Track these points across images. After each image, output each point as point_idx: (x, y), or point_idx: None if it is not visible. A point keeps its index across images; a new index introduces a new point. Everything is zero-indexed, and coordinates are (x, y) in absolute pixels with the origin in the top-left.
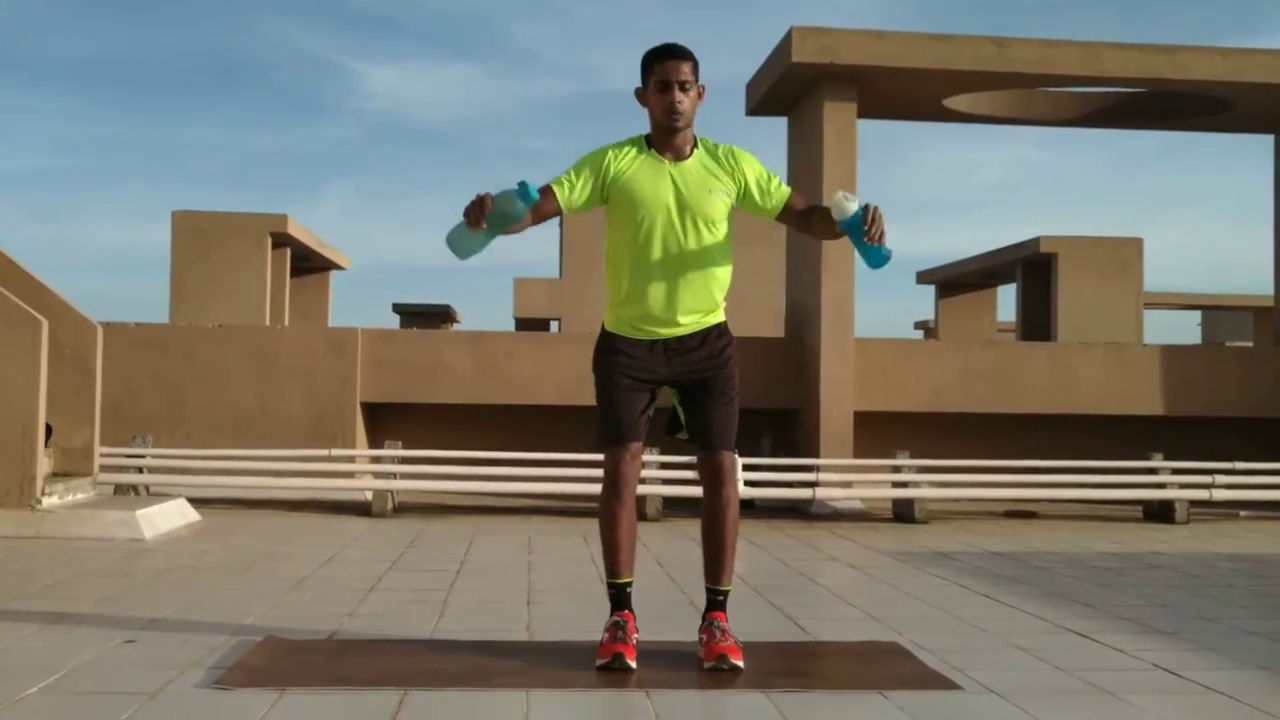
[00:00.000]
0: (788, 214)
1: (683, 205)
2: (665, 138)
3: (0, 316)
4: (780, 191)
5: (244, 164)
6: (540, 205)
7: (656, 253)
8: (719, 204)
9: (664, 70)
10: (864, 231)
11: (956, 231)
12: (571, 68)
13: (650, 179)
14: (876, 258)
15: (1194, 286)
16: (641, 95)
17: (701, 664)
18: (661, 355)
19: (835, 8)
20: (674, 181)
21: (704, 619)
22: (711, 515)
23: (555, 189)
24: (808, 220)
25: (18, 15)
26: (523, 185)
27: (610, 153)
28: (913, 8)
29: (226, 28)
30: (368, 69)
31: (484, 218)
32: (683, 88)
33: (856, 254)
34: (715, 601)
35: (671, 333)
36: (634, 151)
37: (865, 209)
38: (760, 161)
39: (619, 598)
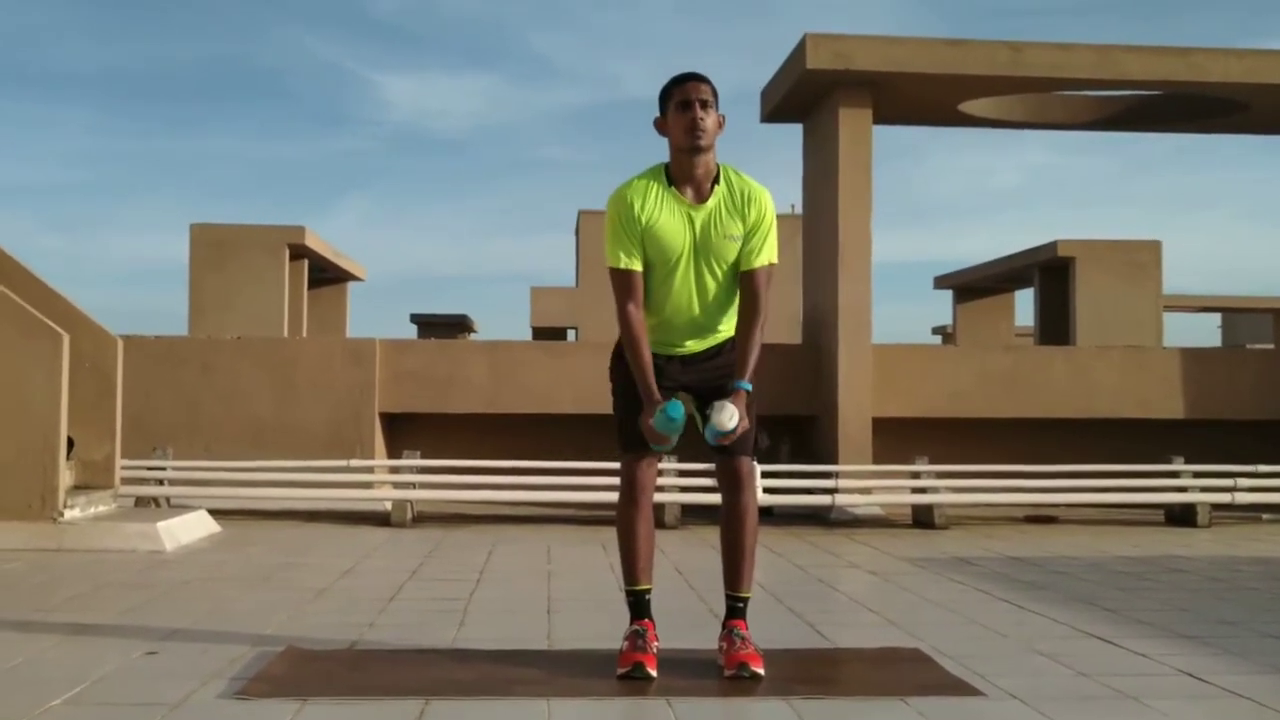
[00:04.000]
0: (743, 279)
1: (700, 250)
2: (686, 165)
3: (21, 329)
4: (760, 256)
5: (261, 175)
6: (633, 290)
7: (672, 293)
8: (733, 249)
9: (684, 90)
10: (715, 438)
11: (974, 236)
12: (589, 76)
13: (672, 227)
14: (711, 437)
15: (1213, 289)
16: (661, 125)
17: (722, 672)
18: (678, 365)
19: (850, 15)
20: (693, 227)
21: (724, 626)
22: (730, 522)
23: (631, 270)
24: (742, 309)
25: (34, 28)
26: (675, 409)
27: (633, 202)
28: (927, 14)
29: (244, 39)
30: (385, 79)
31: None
32: (703, 105)
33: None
34: (735, 609)
35: (687, 352)
36: (655, 190)
37: (730, 433)
38: (773, 213)
39: (638, 605)
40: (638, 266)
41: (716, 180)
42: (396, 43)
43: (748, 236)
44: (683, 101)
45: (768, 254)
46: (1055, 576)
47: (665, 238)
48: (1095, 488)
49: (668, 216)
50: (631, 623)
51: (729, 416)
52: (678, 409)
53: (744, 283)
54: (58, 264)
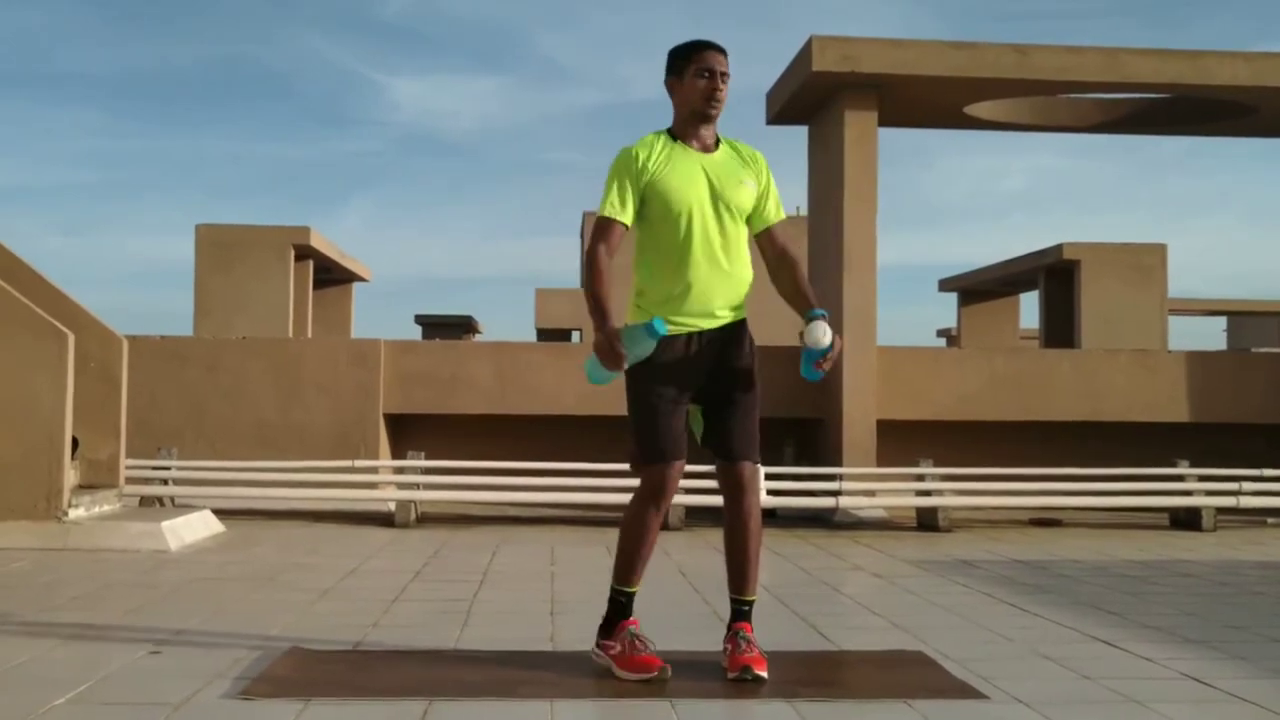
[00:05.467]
0: (765, 239)
1: (716, 195)
2: (695, 128)
3: (27, 329)
4: (777, 213)
5: (268, 176)
6: (611, 239)
7: (697, 244)
8: (748, 195)
9: (708, 59)
10: (817, 364)
11: (979, 239)
12: (596, 79)
13: (685, 171)
14: (812, 377)
15: (1219, 292)
16: (674, 86)
17: (725, 674)
18: (697, 350)
19: (856, 19)
20: (706, 172)
21: (729, 629)
22: (735, 527)
23: (618, 220)
24: (778, 263)
25: (42, 30)
26: (654, 323)
27: (639, 154)
28: (933, 18)
29: (251, 40)
30: (392, 81)
31: (623, 361)
32: (723, 78)
33: (801, 360)
34: (740, 612)
35: (711, 324)
36: (662, 144)
37: (832, 347)
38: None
39: (628, 605)
40: (626, 220)
41: (718, 141)
42: (404, 45)
43: (761, 196)
44: (707, 70)
45: (780, 209)
46: (1060, 580)
47: (679, 182)
48: (1100, 491)
49: (679, 163)
50: (620, 623)
51: (824, 331)
52: (661, 326)
53: (769, 240)
54: (64, 264)
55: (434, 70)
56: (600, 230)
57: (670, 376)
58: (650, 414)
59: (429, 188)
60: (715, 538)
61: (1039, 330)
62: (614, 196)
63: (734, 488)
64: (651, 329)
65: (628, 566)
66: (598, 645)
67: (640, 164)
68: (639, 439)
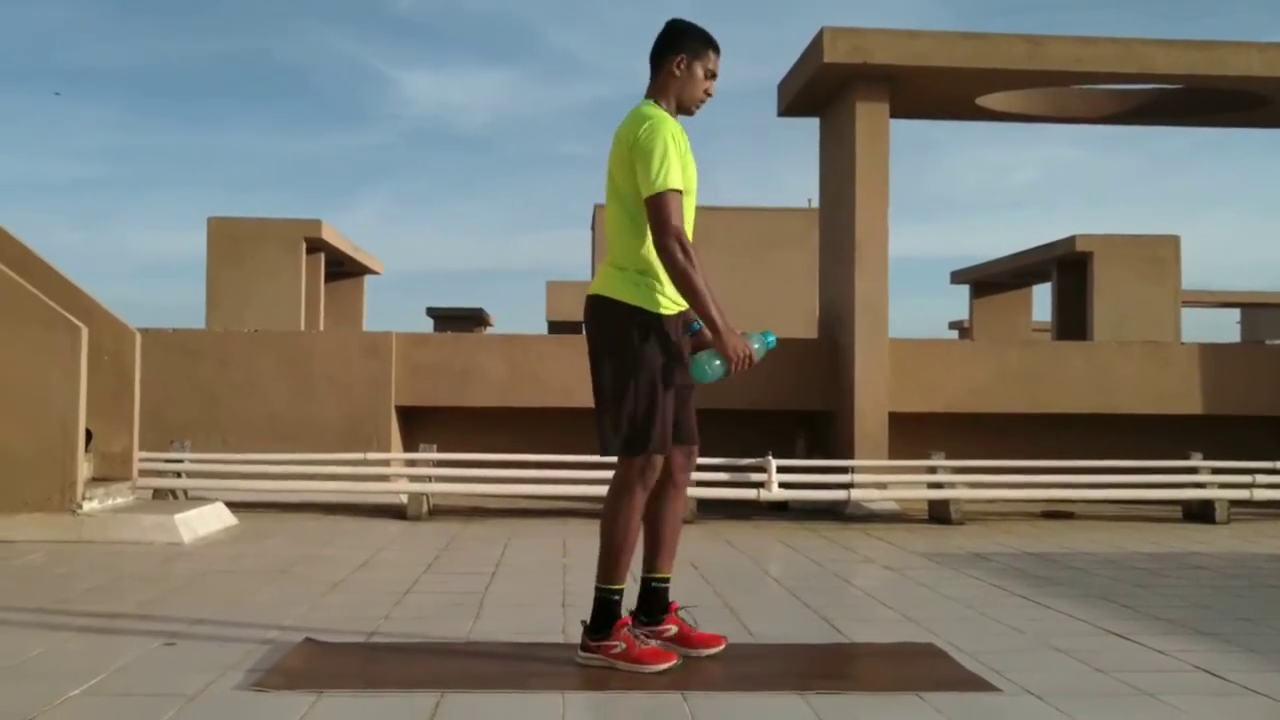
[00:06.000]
0: None
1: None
2: (675, 114)
3: (41, 323)
4: None
5: (280, 170)
6: (681, 214)
7: (691, 226)
8: None
9: (716, 63)
10: (727, 368)
11: (991, 231)
12: (608, 72)
13: (690, 153)
14: (700, 376)
15: (1233, 284)
16: (680, 65)
17: (693, 655)
18: (679, 327)
19: (868, 9)
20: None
21: (666, 610)
22: (676, 506)
23: (680, 191)
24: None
25: (57, 26)
26: (768, 337)
27: (676, 130)
28: (946, 8)
29: (263, 35)
30: (405, 75)
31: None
32: None
33: (699, 360)
34: (667, 591)
35: (685, 307)
36: (679, 127)
37: (733, 366)
38: None
39: (619, 605)
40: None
41: None
42: (416, 38)
43: None
44: (714, 73)
45: None
46: (1072, 572)
47: (692, 165)
48: (1113, 484)
49: (687, 144)
50: (618, 622)
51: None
52: (772, 339)
53: None
54: (78, 258)
55: (446, 64)
56: (673, 206)
57: (678, 360)
58: (660, 401)
59: (440, 181)
60: (727, 531)
61: (1051, 322)
62: (674, 166)
63: (686, 470)
64: (765, 341)
65: (617, 564)
66: (587, 648)
67: (680, 139)
68: (640, 427)
